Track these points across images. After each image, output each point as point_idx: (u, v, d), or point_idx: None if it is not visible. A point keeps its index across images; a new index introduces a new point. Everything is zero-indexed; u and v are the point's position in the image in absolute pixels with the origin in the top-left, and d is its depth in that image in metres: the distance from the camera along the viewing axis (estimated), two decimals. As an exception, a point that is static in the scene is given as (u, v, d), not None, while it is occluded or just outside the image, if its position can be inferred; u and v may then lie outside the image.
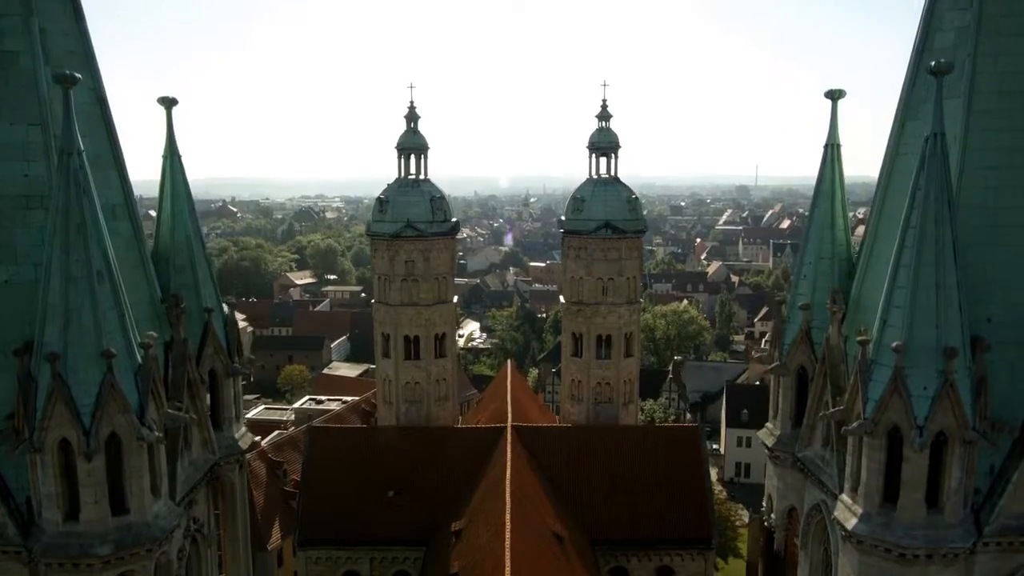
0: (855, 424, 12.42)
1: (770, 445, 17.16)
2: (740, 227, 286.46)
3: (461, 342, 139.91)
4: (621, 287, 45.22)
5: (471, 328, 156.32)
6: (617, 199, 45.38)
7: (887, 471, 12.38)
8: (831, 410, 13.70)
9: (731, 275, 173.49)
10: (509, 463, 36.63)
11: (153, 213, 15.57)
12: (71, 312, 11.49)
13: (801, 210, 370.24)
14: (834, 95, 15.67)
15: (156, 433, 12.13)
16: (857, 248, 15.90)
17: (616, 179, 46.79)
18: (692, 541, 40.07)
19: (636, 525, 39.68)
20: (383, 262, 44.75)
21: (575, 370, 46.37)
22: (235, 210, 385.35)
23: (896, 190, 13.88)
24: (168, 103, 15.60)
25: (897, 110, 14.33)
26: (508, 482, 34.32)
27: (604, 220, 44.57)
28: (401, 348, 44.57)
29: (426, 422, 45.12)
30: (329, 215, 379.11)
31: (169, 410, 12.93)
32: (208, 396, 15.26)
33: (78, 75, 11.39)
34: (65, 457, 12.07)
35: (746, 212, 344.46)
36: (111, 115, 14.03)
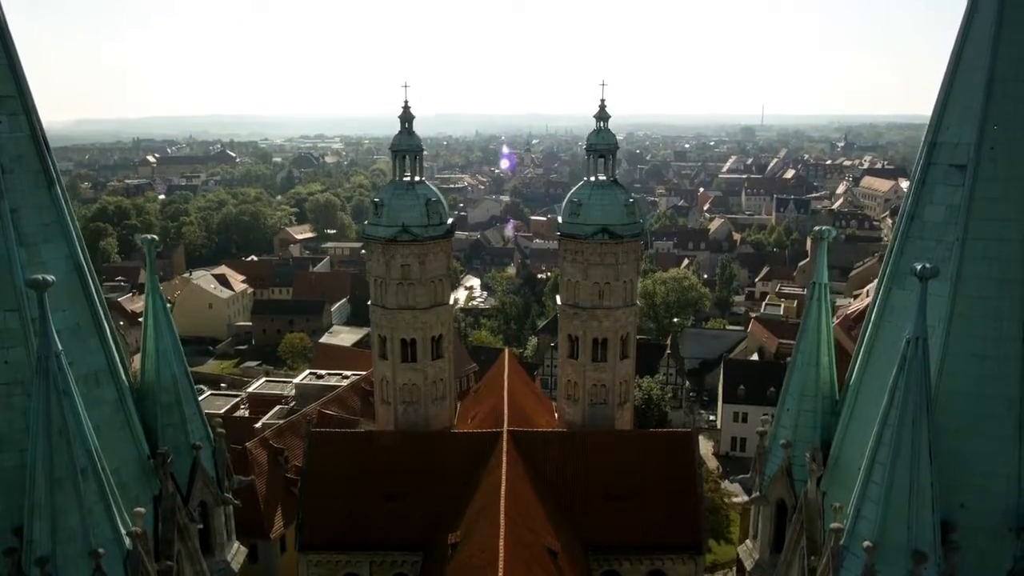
0: (825, 611, 12.74)
1: (749, 568, 17.57)
2: (744, 175, 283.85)
3: (461, 300, 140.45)
4: (617, 291, 45.34)
5: (472, 284, 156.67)
6: (615, 203, 45.06)
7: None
8: (806, 583, 14.02)
9: (733, 232, 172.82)
10: (504, 477, 37.24)
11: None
12: (58, 512, 11.65)
13: (806, 156, 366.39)
14: (822, 235, 15.45)
15: (146, 622, 12.50)
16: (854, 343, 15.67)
17: (614, 182, 46.42)
18: (683, 546, 41.08)
19: (629, 530, 40.63)
20: (379, 265, 44.69)
21: (571, 371, 46.86)
22: (233, 155, 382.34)
23: (879, 357, 13.79)
24: (149, 244, 15.44)
25: (882, 274, 14.11)
26: (503, 502, 34.96)
27: (601, 225, 44.38)
28: (398, 351, 44.92)
29: (423, 422, 45.77)
30: (328, 159, 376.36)
31: (158, 584, 13.27)
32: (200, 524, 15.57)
33: (50, 277, 11.22)
34: (60, 646, 12.33)
35: (750, 159, 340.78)
36: (92, 278, 13.84)
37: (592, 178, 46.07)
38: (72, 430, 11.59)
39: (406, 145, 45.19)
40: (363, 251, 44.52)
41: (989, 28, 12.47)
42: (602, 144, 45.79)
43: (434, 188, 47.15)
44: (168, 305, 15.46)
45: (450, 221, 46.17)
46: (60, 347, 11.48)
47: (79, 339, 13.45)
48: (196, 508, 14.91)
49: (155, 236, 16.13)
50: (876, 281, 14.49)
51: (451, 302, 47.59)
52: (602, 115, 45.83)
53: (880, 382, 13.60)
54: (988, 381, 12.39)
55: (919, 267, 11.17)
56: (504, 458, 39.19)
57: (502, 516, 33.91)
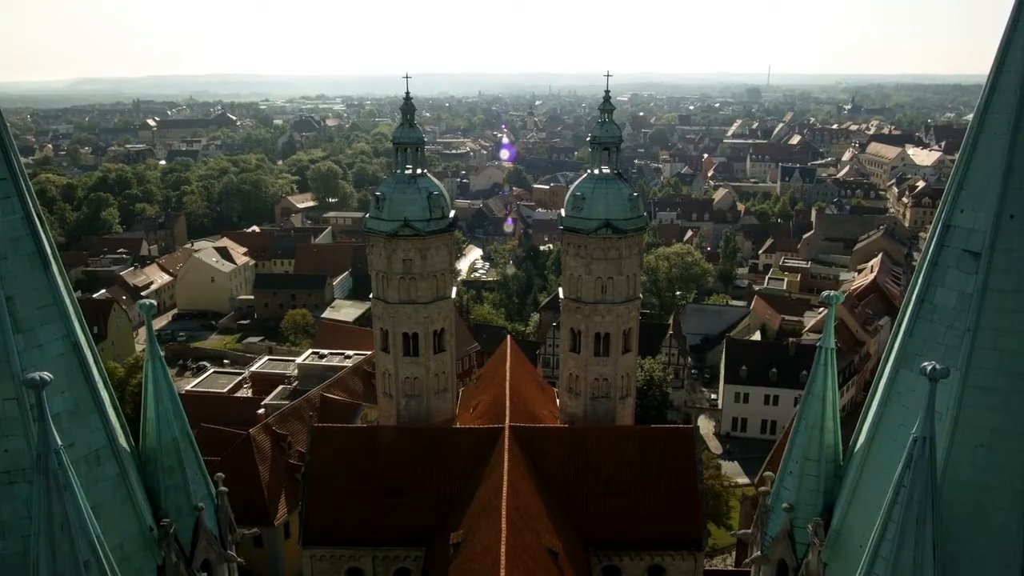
0: None
1: (749, 625, 17.71)
2: (749, 140, 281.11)
3: (464, 272, 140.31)
4: (620, 286, 45.06)
5: (474, 255, 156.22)
6: (618, 197, 44.51)
7: None
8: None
9: (737, 202, 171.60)
10: (506, 479, 37.45)
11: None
12: (63, 606, 11.68)
13: (812, 119, 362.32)
14: (830, 300, 15.21)
15: None
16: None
17: (618, 175, 45.79)
18: (683, 542, 41.47)
19: (629, 526, 40.99)
20: (380, 259, 44.42)
21: (573, 365, 46.81)
22: (234, 118, 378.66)
23: (885, 438, 13.61)
24: (147, 309, 15.23)
25: (889, 349, 13.85)
26: (504, 505, 35.22)
27: (604, 220, 43.88)
28: (400, 345, 44.88)
29: (425, 415, 45.96)
30: (330, 122, 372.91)
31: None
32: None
33: (48, 376, 11.02)
34: None
35: (756, 124, 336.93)
36: (92, 349, 13.64)
37: (595, 171, 45.40)
38: (74, 524, 11.54)
39: (407, 137, 44.58)
40: (365, 222, 44.21)
41: (1009, 115, 12.07)
42: (606, 137, 45.05)
43: (436, 181, 46.68)
44: (167, 370, 15.32)
45: (452, 214, 45.74)
46: (59, 442, 11.36)
47: (79, 419, 13.32)
48: (199, 569, 15.01)
49: (153, 302, 15.91)
50: (882, 357, 14.28)
51: (453, 273, 47.34)
52: (607, 107, 45.05)
53: (885, 463, 13.51)
54: (994, 472, 12.25)
55: (929, 367, 10.96)
56: (506, 456, 39.36)
57: (503, 520, 34.17)
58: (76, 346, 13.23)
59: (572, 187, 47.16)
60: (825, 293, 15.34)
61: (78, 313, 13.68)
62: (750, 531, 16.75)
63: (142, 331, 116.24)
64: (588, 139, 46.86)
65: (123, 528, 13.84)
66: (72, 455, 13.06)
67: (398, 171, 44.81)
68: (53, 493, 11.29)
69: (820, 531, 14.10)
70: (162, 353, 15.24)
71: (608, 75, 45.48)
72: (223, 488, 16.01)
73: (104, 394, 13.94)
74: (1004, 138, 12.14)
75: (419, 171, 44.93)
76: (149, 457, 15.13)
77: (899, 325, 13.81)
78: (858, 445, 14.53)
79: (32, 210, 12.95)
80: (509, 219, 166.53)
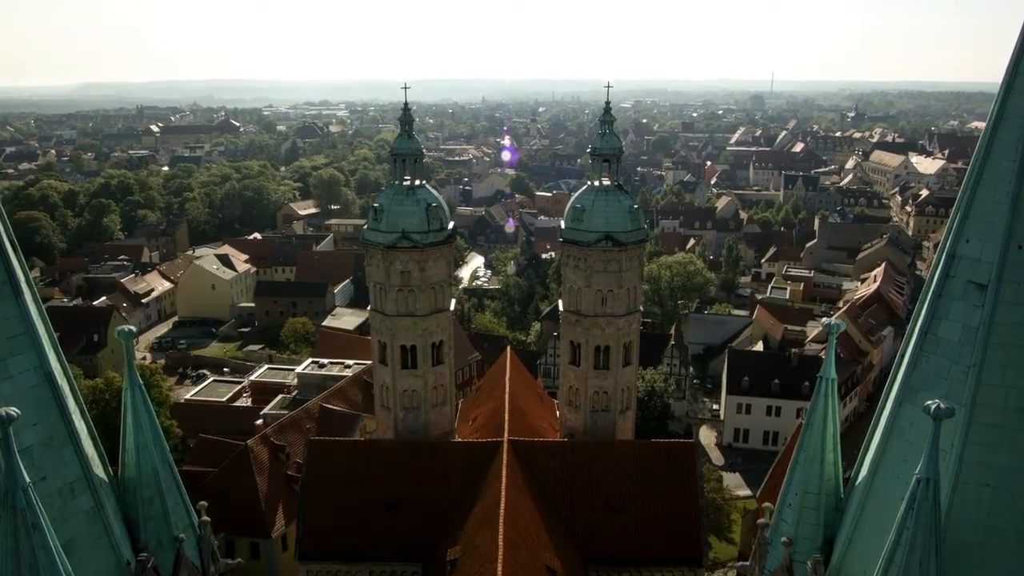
0: None
1: (747, 659, 17.21)
2: (752, 148, 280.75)
3: (465, 280, 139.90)
4: (620, 298, 44.64)
5: (476, 263, 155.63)
6: (618, 209, 44.12)
7: None
8: None
9: (740, 211, 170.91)
10: (504, 495, 36.96)
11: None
12: (29, 645, 11.25)
13: (815, 127, 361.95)
14: (832, 329, 14.75)
15: None
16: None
17: (618, 187, 45.37)
18: (683, 558, 40.94)
19: (629, 542, 40.44)
20: (378, 271, 44.03)
21: (573, 378, 46.39)
22: (237, 124, 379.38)
23: (887, 473, 13.15)
24: (126, 335, 14.82)
25: (891, 382, 13.37)
26: (502, 522, 34.75)
27: (605, 232, 43.49)
28: (398, 357, 44.48)
29: (424, 428, 45.53)
30: (333, 128, 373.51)
31: None
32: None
33: (15, 412, 10.62)
34: None
35: (759, 131, 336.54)
36: (68, 378, 13.22)
37: (596, 182, 45.02)
38: (42, 564, 11.14)
39: (406, 148, 44.26)
40: (367, 226, 43.98)
41: (1017, 141, 11.62)
42: (606, 148, 44.67)
43: (435, 192, 46.33)
44: (148, 398, 14.88)
45: (451, 225, 45.37)
46: (27, 480, 10.95)
47: (52, 451, 12.88)
48: (180, 602, 14.58)
49: (133, 328, 15.51)
50: (885, 389, 13.81)
51: (452, 284, 47.00)
52: (607, 119, 44.68)
53: (886, 499, 13.06)
54: (1000, 512, 11.76)
55: (933, 406, 10.50)
56: (504, 471, 38.87)
57: (501, 536, 33.71)
58: (49, 376, 12.81)
59: (572, 199, 46.76)
60: (825, 321, 14.86)
61: (53, 342, 13.25)
62: (748, 564, 16.25)
63: (142, 339, 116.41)
64: (588, 150, 46.50)
65: (99, 562, 13.41)
66: (45, 489, 12.69)
67: (396, 182, 44.45)
68: (20, 532, 10.88)
69: (820, 568, 13.62)
70: (141, 381, 14.79)
71: (609, 86, 45.21)
72: (206, 518, 15.56)
73: (80, 424, 13.51)
74: (1012, 165, 11.68)
75: (418, 182, 44.57)
76: (128, 487, 14.69)
77: (902, 357, 13.33)
78: (859, 479, 14.06)
79: (3, 236, 12.55)
80: (510, 220, 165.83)
